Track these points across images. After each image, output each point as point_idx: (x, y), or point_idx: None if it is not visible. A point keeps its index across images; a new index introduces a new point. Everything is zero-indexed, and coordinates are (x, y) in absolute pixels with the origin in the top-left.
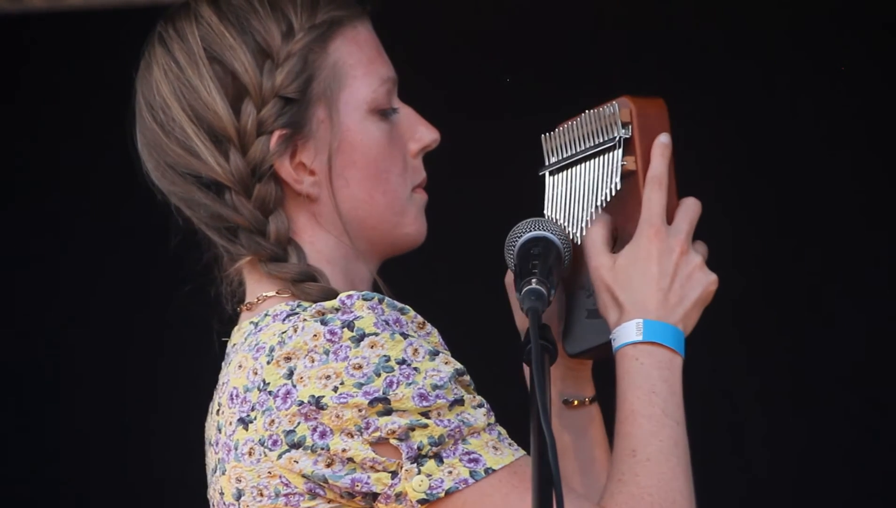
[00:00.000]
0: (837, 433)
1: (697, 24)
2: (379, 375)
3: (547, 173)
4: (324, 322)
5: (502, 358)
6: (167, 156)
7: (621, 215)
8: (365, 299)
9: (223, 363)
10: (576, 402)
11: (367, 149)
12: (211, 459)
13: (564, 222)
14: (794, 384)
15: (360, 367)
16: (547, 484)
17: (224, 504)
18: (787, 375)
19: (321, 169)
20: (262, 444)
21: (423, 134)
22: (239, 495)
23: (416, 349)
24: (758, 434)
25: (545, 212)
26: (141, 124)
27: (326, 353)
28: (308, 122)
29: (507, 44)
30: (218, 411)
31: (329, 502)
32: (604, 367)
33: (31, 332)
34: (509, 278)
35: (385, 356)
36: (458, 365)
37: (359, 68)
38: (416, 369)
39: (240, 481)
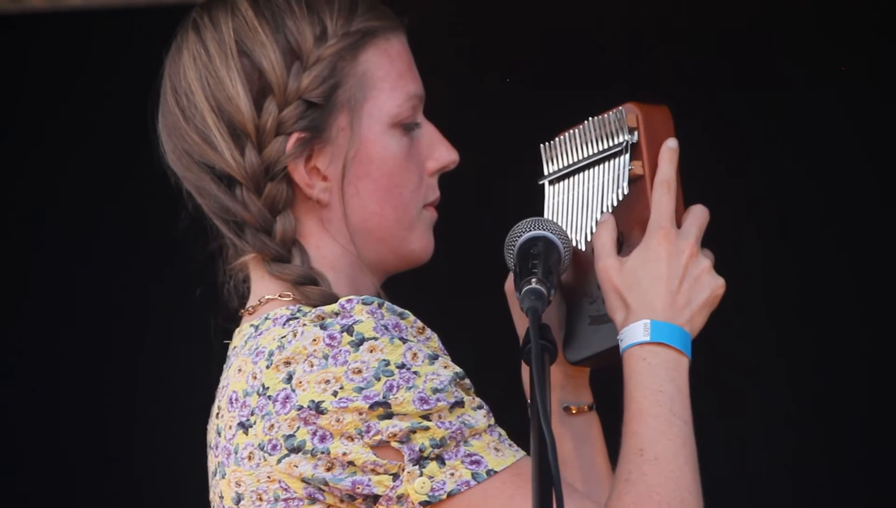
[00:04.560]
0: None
1: (697, 28)
2: (379, 379)
3: (547, 183)
4: (323, 327)
5: (502, 365)
6: (185, 142)
7: (627, 219)
8: (364, 304)
9: (224, 366)
10: (575, 409)
11: (382, 162)
12: (211, 462)
13: (567, 229)
14: (793, 385)
15: (360, 371)
16: (547, 484)
17: (224, 507)
18: (786, 375)
19: (334, 176)
20: (262, 449)
21: (443, 154)
22: (238, 499)
23: (415, 354)
24: (758, 436)
25: None
26: (164, 107)
27: (325, 357)
28: (328, 128)
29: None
30: (218, 414)
31: (328, 506)
32: (605, 374)
33: (30, 328)
34: (509, 284)
35: (384, 360)
36: (458, 369)
37: (387, 81)
38: (415, 373)
39: (239, 485)
